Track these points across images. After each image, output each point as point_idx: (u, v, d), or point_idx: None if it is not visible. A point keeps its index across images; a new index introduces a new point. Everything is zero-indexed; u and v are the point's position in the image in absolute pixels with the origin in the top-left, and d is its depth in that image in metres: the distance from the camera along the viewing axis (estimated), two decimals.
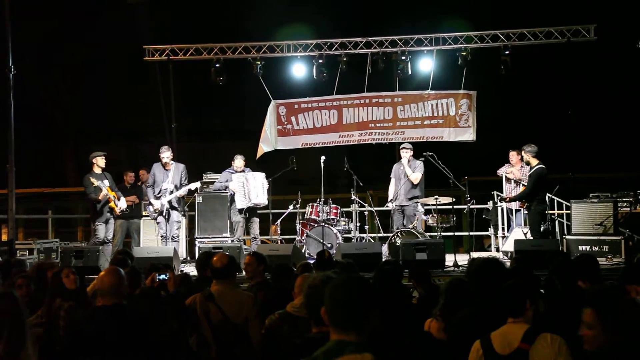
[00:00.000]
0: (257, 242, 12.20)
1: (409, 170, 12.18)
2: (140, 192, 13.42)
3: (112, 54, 20.65)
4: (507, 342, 3.82)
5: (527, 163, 11.35)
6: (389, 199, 12.63)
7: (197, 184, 12.34)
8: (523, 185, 11.78)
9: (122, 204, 11.79)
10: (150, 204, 11.79)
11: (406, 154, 12.37)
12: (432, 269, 6.99)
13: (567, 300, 4.50)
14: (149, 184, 11.93)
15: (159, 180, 11.74)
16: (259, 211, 12.53)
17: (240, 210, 12.23)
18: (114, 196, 11.65)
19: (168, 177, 11.70)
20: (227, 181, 12.40)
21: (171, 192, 11.61)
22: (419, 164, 12.31)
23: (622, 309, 3.32)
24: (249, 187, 12.13)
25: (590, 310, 3.33)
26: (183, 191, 11.80)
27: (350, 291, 2.83)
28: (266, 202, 12.39)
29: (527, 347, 3.74)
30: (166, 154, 11.79)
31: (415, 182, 12.19)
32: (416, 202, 12.21)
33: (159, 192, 11.68)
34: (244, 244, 12.25)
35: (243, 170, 12.39)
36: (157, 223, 11.89)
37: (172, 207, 11.71)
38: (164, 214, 11.63)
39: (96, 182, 11.45)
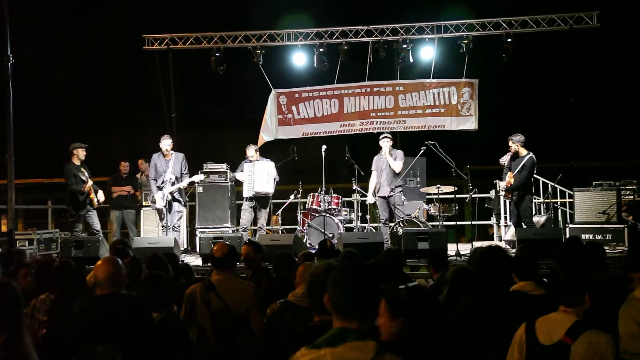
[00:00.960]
0: (262, 232, 12.18)
1: (391, 159, 11.87)
2: (136, 183, 13.44)
3: (111, 44, 20.62)
4: (551, 332, 3.72)
5: (516, 153, 11.12)
6: (369, 192, 12.34)
7: (200, 176, 12.29)
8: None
9: (100, 196, 11.79)
10: (153, 197, 11.72)
11: (387, 144, 11.97)
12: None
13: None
14: (151, 176, 11.81)
15: (160, 171, 11.65)
16: None
17: (247, 199, 12.26)
18: (94, 188, 11.69)
19: (169, 167, 11.61)
20: (241, 171, 12.46)
21: (172, 183, 11.53)
22: (400, 152, 12.06)
23: None
24: (254, 175, 12.16)
25: None
26: (185, 183, 11.73)
27: (353, 278, 2.81)
28: (270, 191, 12.31)
29: (570, 342, 3.64)
30: (167, 142, 11.67)
31: (398, 171, 11.94)
32: (400, 191, 12.08)
33: (162, 183, 11.61)
34: (247, 233, 12.22)
35: (258, 160, 12.41)
36: (159, 213, 11.83)
37: (174, 199, 11.65)
38: (165, 205, 11.58)
39: (84, 176, 11.49)
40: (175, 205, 11.68)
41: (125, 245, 7.77)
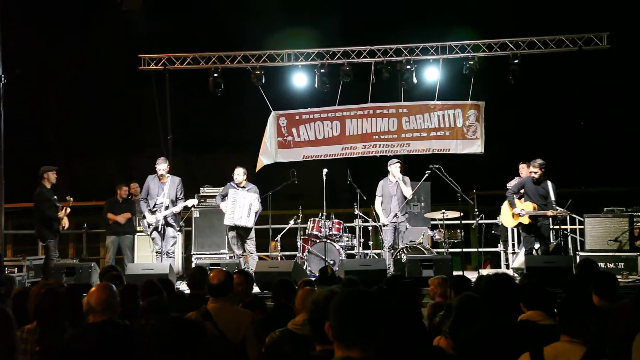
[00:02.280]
0: (254, 257, 11.99)
1: (403, 185, 11.98)
2: (133, 207, 13.37)
3: (106, 64, 20.72)
4: None
5: (539, 178, 11.15)
6: (381, 220, 12.23)
7: (194, 201, 12.20)
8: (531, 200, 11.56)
9: (65, 223, 11.75)
10: (144, 217, 11.67)
11: (397, 168, 12.08)
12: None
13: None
14: (142, 195, 11.79)
15: (153, 193, 11.56)
16: (256, 227, 12.37)
17: (229, 227, 11.99)
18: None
19: (163, 190, 11.50)
20: (224, 197, 12.07)
21: (167, 207, 11.47)
22: (407, 178, 12.24)
23: None
24: (235, 205, 11.79)
25: None
26: (179, 207, 11.64)
27: (356, 304, 2.80)
28: (250, 226, 11.93)
29: None
30: (162, 166, 11.59)
31: (409, 197, 12.06)
32: (406, 218, 12.18)
33: (154, 207, 11.53)
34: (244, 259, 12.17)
35: (244, 187, 12.05)
36: (152, 239, 11.72)
37: (168, 224, 11.56)
38: (159, 230, 11.50)
39: (57, 201, 11.49)
40: (170, 230, 11.59)
41: (116, 270, 7.76)
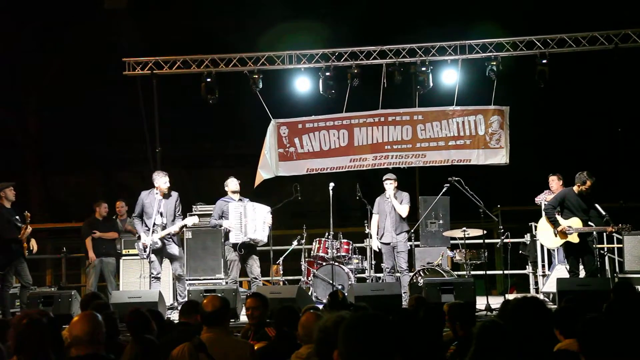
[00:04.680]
0: (258, 284, 11.96)
1: (396, 202, 12.22)
2: (116, 227, 13.42)
3: (87, 69, 20.79)
4: None
5: (583, 192, 11.21)
6: (370, 238, 12.54)
7: (194, 219, 12.10)
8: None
9: (33, 245, 11.75)
10: (138, 238, 11.66)
11: (390, 185, 12.42)
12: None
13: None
14: (135, 213, 11.82)
15: (149, 212, 11.55)
16: (258, 248, 12.41)
17: (235, 246, 11.89)
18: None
19: (161, 208, 11.59)
20: (222, 216, 12.03)
21: (163, 227, 11.49)
22: (406, 195, 12.49)
23: None
24: (246, 219, 11.84)
25: None
26: (177, 227, 11.63)
27: (368, 330, 2.81)
28: (265, 240, 12.21)
29: None
30: (164, 180, 11.66)
31: (404, 215, 12.23)
32: (406, 238, 12.32)
33: (154, 226, 11.54)
34: (240, 285, 12.17)
35: (240, 199, 12.13)
36: (150, 262, 11.61)
37: (168, 241, 11.60)
38: (157, 252, 11.50)
39: (18, 222, 11.49)
40: (175, 250, 11.65)
41: (100, 299, 7.76)
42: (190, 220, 11.99)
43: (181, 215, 11.80)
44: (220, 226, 12.07)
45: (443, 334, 6.55)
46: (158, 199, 11.59)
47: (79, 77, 21.25)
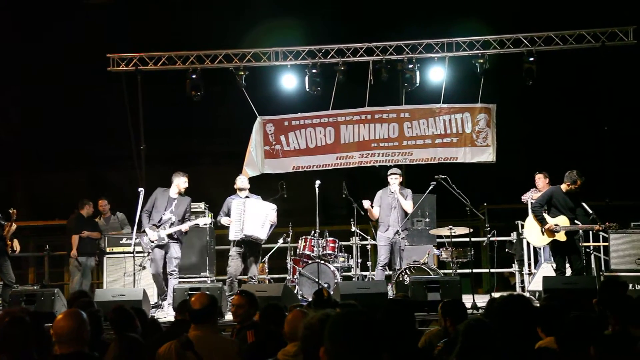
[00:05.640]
0: (253, 283, 11.98)
1: (402, 198, 12.20)
2: (99, 227, 13.47)
3: (71, 65, 20.69)
4: None
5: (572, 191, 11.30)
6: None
7: (206, 219, 12.20)
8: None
9: (16, 244, 11.73)
10: (143, 232, 11.64)
11: (396, 181, 12.36)
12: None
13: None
14: (146, 208, 11.78)
15: (160, 208, 11.63)
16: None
17: (234, 243, 11.97)
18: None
19: (171, 206, 11.65)
20: (228, 213, 12.05)
21: (171, 225, 11.53)
22: (409, 191, 12.47)
23: None
24: (245, 215, 11.84)
25: None
26: (187, 225, 11.66)
27: (355, 326, 2.82)
28: (264, 238, 12.09)
29: None
30: (183, 179, 11.79)
31: (410, 212, 12.24)
32: (407, 234, 12.37)
33: (159, 222, 11.55)
34: (238, 285, 12.14)
35: (247, 196, 12.19)
36: (150, 259, 11.72)
37: (175, 240, 11.66)
38: (162, 248, 11.54)
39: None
40: (175, 248, 11.68)
41: (87, 296, 7.79)
42: (202, 221, 12.01)
43: (190, 217, 11.85)
44: (218, 223, 12.18)
45: (432, 329, 6.62)
46: (172, 197, 11.70)
47: (61, 73, 21.15)
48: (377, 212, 12.42)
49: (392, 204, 12.24)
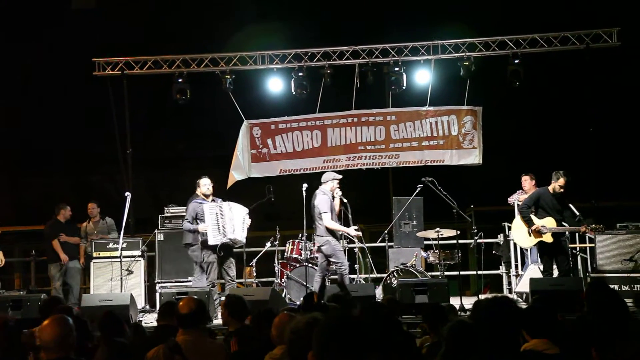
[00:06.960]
0: (232, 285, 11.96)
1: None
2: (78, 232, 13.45)
3: (56, 68, 20.64)
4: None
5: (557, 190, 11.37)
6: (349, 230, 12.12)
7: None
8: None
9: (1, 257, 11.76)
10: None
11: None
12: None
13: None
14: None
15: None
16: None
17: (214, 248, 11.73)
18: None
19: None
20: (196, 219, 11.85)
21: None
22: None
23: None
24: (223, 219, 11.75)
25: None
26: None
27: (343, 330, 2.83)
28: (244, 241, 12.13)
29: None
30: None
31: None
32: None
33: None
34: (217, 288, 12.16)
35: (214, 200, 12.09)
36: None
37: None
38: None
39: None
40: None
41: (60, 302, 7.77)
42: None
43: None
44: (196, 231, 11.88)
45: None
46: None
47: (47, 76, 21.10)
48: (328, 217, 11.84)
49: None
